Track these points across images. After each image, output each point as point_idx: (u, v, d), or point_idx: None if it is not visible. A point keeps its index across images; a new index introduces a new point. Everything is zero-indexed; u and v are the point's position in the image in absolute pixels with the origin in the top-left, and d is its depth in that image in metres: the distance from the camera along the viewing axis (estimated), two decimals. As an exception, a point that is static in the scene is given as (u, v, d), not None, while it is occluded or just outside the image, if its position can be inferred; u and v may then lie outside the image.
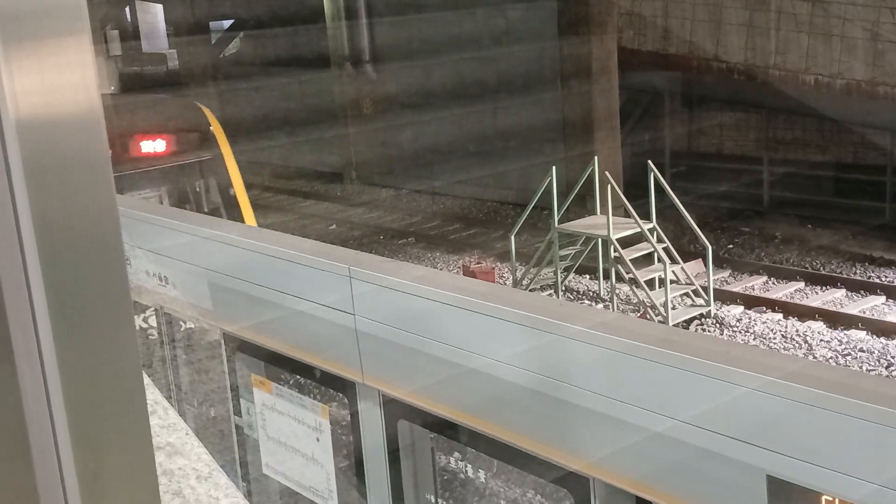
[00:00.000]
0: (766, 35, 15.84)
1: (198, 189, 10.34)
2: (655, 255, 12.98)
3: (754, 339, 11.94)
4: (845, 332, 12.09)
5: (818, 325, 12.33)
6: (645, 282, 12.83)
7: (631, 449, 3.04)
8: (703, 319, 12.90)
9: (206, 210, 10.21)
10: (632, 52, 17.33)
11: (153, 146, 10.02)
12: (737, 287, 13.89)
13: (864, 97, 14.98)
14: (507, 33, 18.89)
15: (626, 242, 13.11)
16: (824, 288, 13.63)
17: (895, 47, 14.25)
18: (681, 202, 12.97)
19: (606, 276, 13.62)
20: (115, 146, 9.29)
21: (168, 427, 1.87)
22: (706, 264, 13.20)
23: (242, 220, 10.08)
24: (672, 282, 12.97)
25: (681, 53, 17.08)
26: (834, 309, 12.78)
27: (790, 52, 15.57)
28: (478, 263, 15.67)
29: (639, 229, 12.90)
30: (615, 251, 12.87)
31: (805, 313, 12.68)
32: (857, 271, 14.16)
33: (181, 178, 10.25)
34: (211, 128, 10.50)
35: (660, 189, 12.95)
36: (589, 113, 16.25)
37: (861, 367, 11.23)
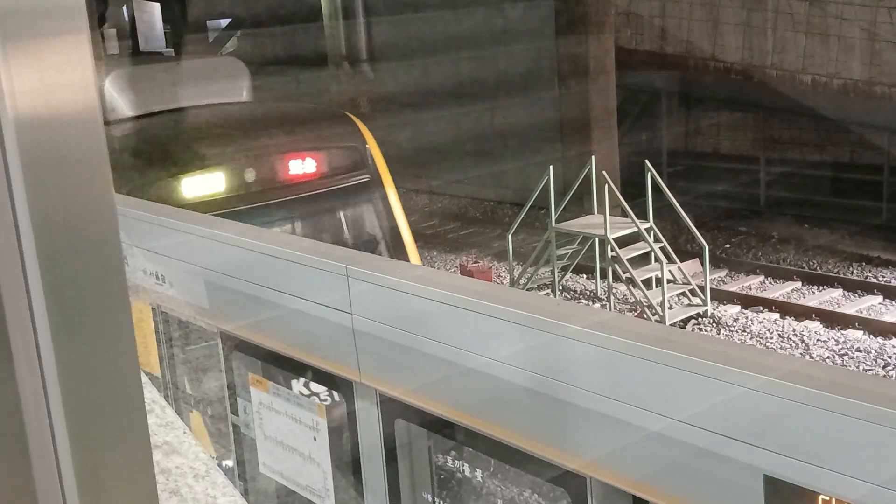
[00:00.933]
0: (764, 35, 15.85)
1: (352, 219, 8.52)
2: (652, 254, 12.99)
3: (751, 338, 11.95)
4: (842, 331, 12.10)
5: (815, 325, 12.34)
6: (642, 281, 12.84)
7: (628, 448, 3.04)
8: (699, 319, 12.91)
9: (359, 245, 8.36)
10: (629, 52, 17.34)
11: (302, 166, 8.16)
12: (733, 286, 13.90)
13: (861, 97, 15.00)
14: (505, 32, 18.90)
15: (624, 242, 13.11)
16: (821, 288, 13.65)
17: (892, 47, 14.27)
18: (678, 202, 12.98)
19: (603, 276, 13.63)
20: (260, 166, 7.99)
21: (166, 426, 1.87)
22: (703, 264, 13.21)
23: (408, 259, 8.31)
24: (669, 281, 12.98)
25: (678, 53, 17.10)
26: (831, 309, 12.79)
27: (787, 52, 15.58)
28: (475, 263, 15.67)
29: (636, 229, 12.91)
30: (612, 250, 12.88)
31: (802, 313, 12.69)
32: (854, 271, 14.17)
33: (333, 205, 8.38)
34: (367, 145, 8.60)
35: (657, 188, 12.96)
36: (586, 112, 16.26)
37: (858, 367, 11.24)
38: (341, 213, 8.49)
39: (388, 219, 8.36)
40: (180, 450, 1.77)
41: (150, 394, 2.00)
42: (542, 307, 3.27)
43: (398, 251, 8.30)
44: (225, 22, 23.73)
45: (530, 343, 3.26)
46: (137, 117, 8.42)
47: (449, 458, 3.93)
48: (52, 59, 0.86)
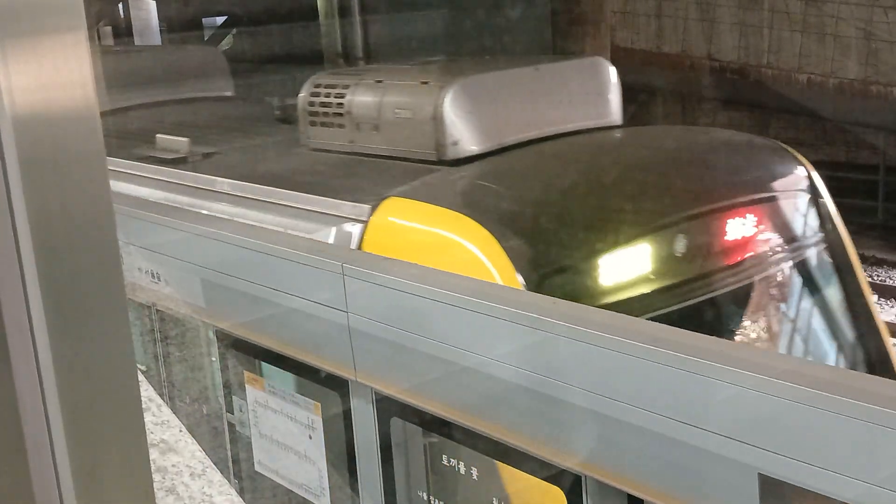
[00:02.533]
0: (760, 34, 15.86)
1: (813, 312, 5.06)
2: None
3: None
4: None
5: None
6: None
7: (623, 447, 3.04)
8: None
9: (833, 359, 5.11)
10: (625, 51, 17.34)
11: (741, 228, 4.73)
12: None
13: (857, 96, 15.01)
14: (501, 31, 18.89)
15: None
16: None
17: (888, 46, 14.28)
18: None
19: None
20: (694, 232, 4.62)
21: (162, 424, 1.87)
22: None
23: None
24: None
25: (674, 52, 17.10)
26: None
27: (783, 51, 15.59)
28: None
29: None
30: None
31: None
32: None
33: (789, 290, 4.97)
34: (818, 190, 5.29)
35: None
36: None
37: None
38: (798, 304, 5.08)
39: (861, 310, 5.21)
40: (177, 448, 1.77)
41: (147, 392, 2.00)
42: (538, 305, 3.27)
43: (883, 367, 5.07)
44: (221, 20, 23.70)
45: (526, 341, 3.26)
46: (488, 153, 5.12)
47: (444, 457, 3.93)
48: (50, 56, 0.86)
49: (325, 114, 5.67)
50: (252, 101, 9.32)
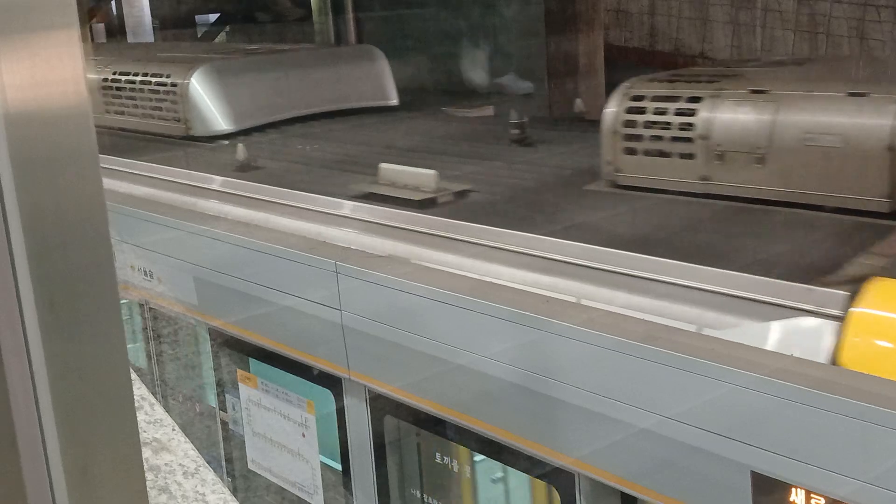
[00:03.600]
0: (752, 32, 15.88)
1: None
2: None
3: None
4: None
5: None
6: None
7: (616, 445, 3.04)
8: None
9: None
10: (619, 49, 17.35)
11: None
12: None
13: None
14: (496, 29, 18.89)
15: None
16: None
17: (881, 45, 14.32)
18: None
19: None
20: None
21: (154, 423, 1.86)
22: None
23: None
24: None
25: (667, 50, 17.12)
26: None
27: (775, 50, 15.61)
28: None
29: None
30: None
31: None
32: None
33: None
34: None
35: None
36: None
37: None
38: None
39: None
40: (169, 447, 1.77)
41: (140, 390, 1.99)
42: (532, 304, 3.27)
43: None
44: (213, 17, 23.66)
45: (519, 339, 3.27)
46: None
47: (438, 455, 3.93)
48: (43, 54, 0.85)
49: (656, 137, 4.10)
50: (434, 114, 7.74)
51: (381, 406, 3.96)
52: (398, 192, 4.47)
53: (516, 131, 5.67)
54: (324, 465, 4.39)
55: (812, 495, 2.54)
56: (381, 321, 3.77)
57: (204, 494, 1.63)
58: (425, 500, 4.02)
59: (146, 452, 1.73)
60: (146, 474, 1.34)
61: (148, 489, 1.12)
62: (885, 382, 2.52)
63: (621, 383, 2.97)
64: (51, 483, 0.92)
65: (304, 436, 4.43)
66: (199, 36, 21.77)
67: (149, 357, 5.52)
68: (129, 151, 6.17)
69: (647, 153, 4.15)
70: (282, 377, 4.53)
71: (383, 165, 4.71)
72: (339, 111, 7.06)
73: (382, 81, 7.46)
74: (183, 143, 6.57)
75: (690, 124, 3.95)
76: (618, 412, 2.98)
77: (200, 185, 5.39)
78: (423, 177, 4.49)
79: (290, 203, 4.81)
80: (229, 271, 4.55)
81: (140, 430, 1.52)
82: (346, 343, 3.93)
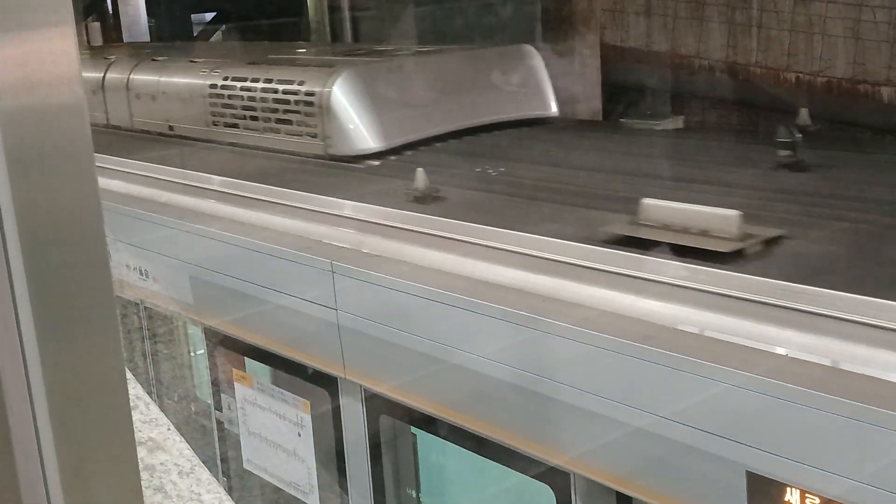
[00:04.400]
0: (748, 32, 15.90)
1: None
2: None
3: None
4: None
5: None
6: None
7: (612, 444, 3.05)
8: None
9: None
10: (615, 49, 17.36)
11: None
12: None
13: (844, 95, 15.06)
14: (493, 29, 18.89)
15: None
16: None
17: (876, 46, 14.34)
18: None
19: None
20: None
21: (150, 422, 1.86)
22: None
23: None
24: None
25: (663, 50, 17.13)
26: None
27: (772, 50, 15.63)
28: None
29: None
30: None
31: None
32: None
33: None
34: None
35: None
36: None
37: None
38: None
39: None
40: (165, 446, 1.77)
41: (135, 390, 1.99)
42: (528, 303, 3.27)
43: None
44: (210, 16, 23.65)
45: (515, 339, 3.27)
46: None
47: (433, 454, 3.93)
48: (38, 52, 0.85)
49: None
50: (612, 127, 6.69)
51: (376, 405, 3.96)
52: (676, 237, 3.37)
53: (787, 152, 4.38)
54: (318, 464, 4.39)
55: (807, 495, 2.54)
56: (376, 321, 3.77)
57: (199, 494, 1.63)
58: (421, 499, 4.03)
59: (141, 452, 1.73)
60: (141, 474, 1.33)
61: (143, 489, 1.12)
62: (880, 382, 2.52)
63: (616, 383, 2.97)
64: (46, 483, 0.92)
65: (299, 435, 4.42)
66: (195, 35, 21.76)
67: (144, 356, 5.51)
68: (269, 176, 5.09)
69: None
70: (278, 377, 4.53)
71: (648, 201, 3.53)
72: (493, 124, 5.78)
73: (541, 88, 6.23)
74: (322, 163, 5.30)
75: None
76: (613, 411, 2.98)
77: (379, 221, 4.24)
78: (718, 218, 3.33)
79: (516, 249, 3.64)
80: (225, 271, 4.55)
81: (135, 430, 1.52)
82: (342, 342, 3.93)
